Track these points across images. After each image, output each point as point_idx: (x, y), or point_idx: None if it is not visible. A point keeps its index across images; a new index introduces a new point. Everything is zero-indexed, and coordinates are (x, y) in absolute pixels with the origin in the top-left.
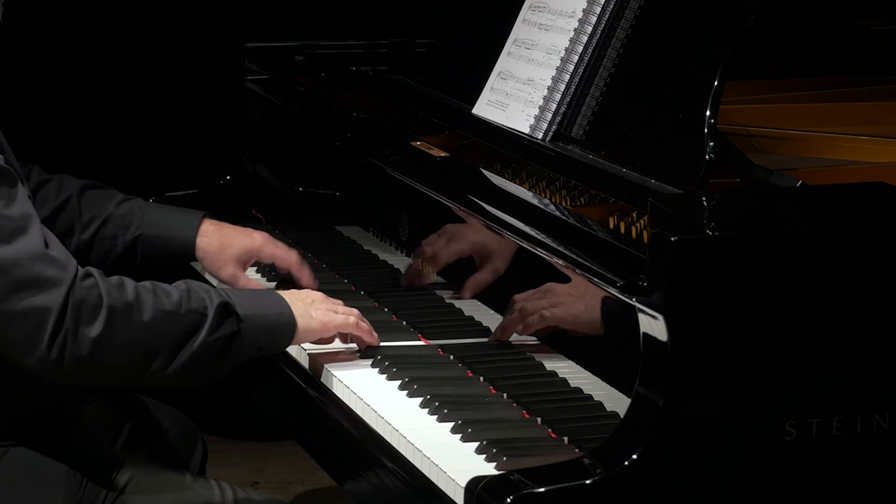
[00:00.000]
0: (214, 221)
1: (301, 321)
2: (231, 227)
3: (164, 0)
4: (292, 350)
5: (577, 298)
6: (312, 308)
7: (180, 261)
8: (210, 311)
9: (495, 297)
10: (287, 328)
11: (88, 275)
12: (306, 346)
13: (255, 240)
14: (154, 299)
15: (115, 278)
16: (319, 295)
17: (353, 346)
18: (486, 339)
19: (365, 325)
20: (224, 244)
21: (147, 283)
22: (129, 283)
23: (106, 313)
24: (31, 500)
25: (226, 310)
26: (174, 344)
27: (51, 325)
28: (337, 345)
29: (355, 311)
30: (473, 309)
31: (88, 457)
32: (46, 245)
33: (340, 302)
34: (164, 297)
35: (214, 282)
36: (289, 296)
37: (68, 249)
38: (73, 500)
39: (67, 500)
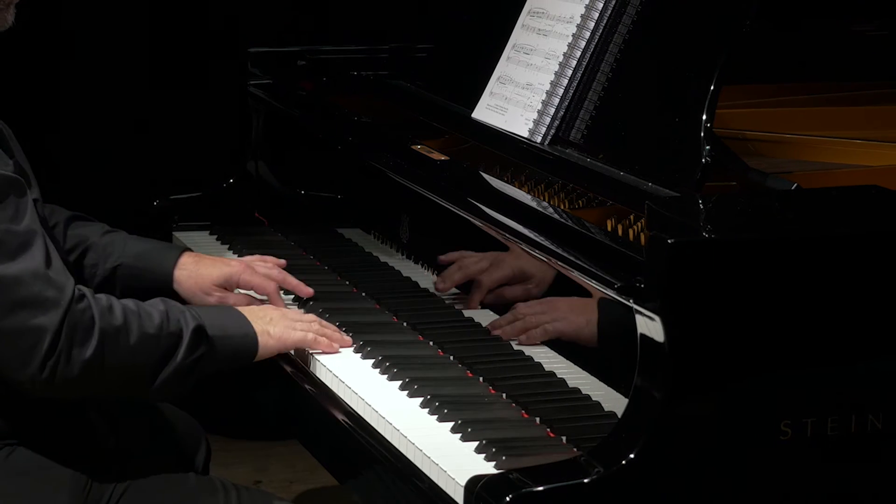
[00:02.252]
0: (193, 254)
1: (261, 338)
2: (209, 258)
3: (168, 6)
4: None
5: (578, 313)
6: (270, 326)
7: (158, 293)
8: (186, 334)
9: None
10: (251, 349)
11: (83, 296)
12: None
13: (233, 267)
14: (139, 322)
15: (103, 298)
16: (278, 312)
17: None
18: (484, 340)
19: (323, 339)
20: (201, 273)
21: (131, 304)
22: (117, 305)
23: (98, 336)
24: (37, 498)
25: (199, 333)
26: (155, 365)
27: (46, 345)
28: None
29: (314, 324)
30: (473, 311)
31: (93, 456)
32: (48, 263)
33: (300, 313)
34: (147, 319)
35: None
36: (249, 314)
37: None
38: (78, 499)
39: (72, 499)
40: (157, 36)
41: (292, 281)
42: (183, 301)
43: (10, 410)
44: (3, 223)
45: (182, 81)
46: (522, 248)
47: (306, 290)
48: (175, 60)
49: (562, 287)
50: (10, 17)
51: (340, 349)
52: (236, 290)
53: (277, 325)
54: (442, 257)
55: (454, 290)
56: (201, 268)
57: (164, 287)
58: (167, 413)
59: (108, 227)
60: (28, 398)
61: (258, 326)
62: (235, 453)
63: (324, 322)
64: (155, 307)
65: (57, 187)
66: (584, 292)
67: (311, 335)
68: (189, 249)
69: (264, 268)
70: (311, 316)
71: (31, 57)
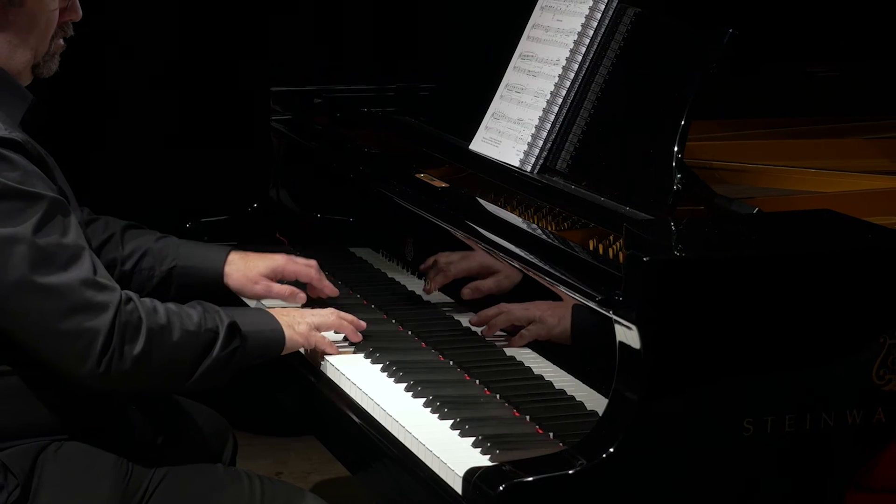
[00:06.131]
0: (240, 251)
1: (287, 332)
2: (254, 253)
3: (203, 54)
4: (313, 353)
5: (553, 318)
6: (295, 324)
7: (210, 288)
8: (221, 329)
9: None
10: (279, 343)
11: (129, 299)
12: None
13: (276, 260)
14: (181, 320)
15: (148, 301)
16: (300, 314)
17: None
18: (480, 346)
19: (346, 328)
20: (249, 266)
21: (172, 306)
22: (161, 306)
23: (146, 334)
24: (83, 488)
25: (233, 328)
26: (195, 358)
27: (100, 343)
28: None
29: (332, 317)
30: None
31: (132, 450)
32: (96, 272)
33: (319, 311)
34: (187, 318)
35: (252, 303)
36: (276, 314)
37: (112, 279)
38: (119, 488)
39: (114, 489)
40: (194, 79)
41: (324, 279)
42: (232, 293)
43: (61, 409)
44: (55, 238)
45: (212, 117)
46: (514, 266)
47: (333, 291)
48: (208, 99)
49: (530, 286)
50: (54, 65)
51: (351, 355)
52: (280, 282)
53: (301, 324)
54: (421, 266)
55: (449, 300)
56: (249, 261)
57: (216, 282)
58: (199, 412)
59: (161, 234)
60: (76, 398)
61: (284, 323)
62: (259, 448)
63: (341, 313)
64: (193, 308)
65: (101, 212)
66: (553, 294)
67: (327, 341)
68: (235, 247)
69: (303, 259)
70: (330, 310)
71: (73, 97)
